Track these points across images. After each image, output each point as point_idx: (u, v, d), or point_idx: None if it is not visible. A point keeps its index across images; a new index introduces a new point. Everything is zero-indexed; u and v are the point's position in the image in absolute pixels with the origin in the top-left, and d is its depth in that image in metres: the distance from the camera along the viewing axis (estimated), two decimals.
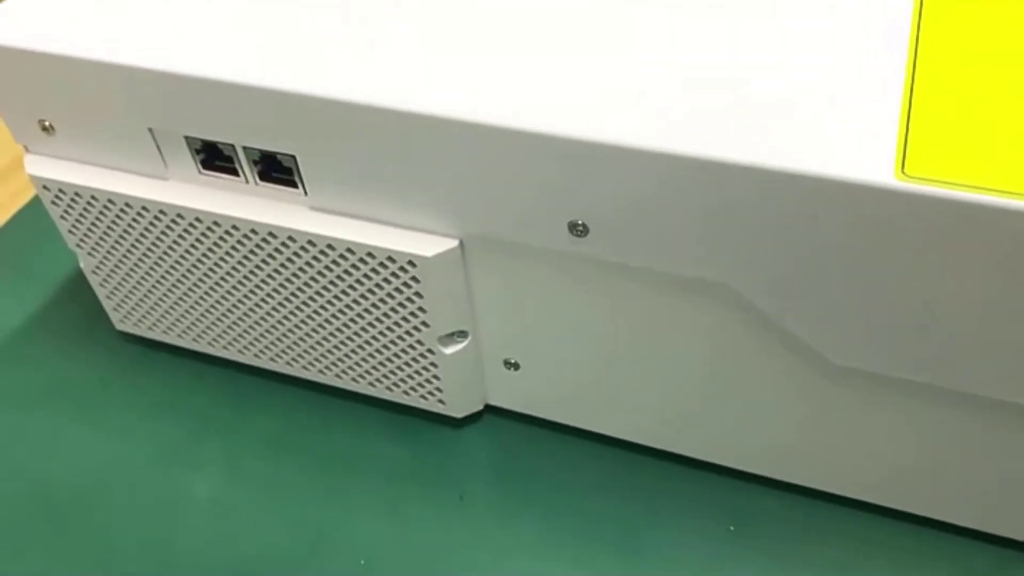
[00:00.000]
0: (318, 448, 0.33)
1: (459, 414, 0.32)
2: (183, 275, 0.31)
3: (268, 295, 0.30)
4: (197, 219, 0.29)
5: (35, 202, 0.42)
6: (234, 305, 0.31)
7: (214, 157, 0.28)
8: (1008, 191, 0.20)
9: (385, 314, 0.29)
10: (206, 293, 0.31)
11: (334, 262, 0.28)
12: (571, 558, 0.29)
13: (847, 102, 0.22)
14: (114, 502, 0.31)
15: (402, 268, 0.27)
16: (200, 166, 0.28)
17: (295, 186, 0.27)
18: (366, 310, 0.29)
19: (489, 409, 0.33)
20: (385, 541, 0.30)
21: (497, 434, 0.33)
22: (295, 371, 0.33)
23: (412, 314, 0.28)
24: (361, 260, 0.27)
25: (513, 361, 0.30)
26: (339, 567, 0.29)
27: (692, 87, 0.23)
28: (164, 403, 0.34)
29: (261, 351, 0.33)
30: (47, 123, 0.29)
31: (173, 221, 0.29)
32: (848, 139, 0.21)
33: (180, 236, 0.29)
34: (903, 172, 0.20)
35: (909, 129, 0.21)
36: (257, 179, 0.28)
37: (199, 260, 0.30)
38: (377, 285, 0.28)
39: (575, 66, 0.24)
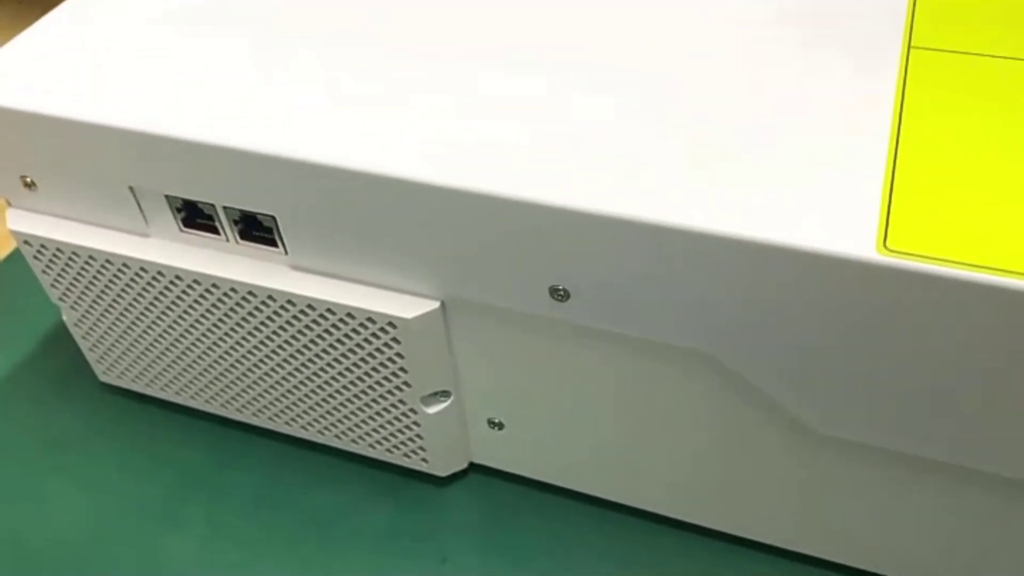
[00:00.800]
0: (300, 506, 0.32)
1: (443, 473, 0.31)
2: (165, 330, 0.31)
3: (249, 352, 0.30)
4: (178, 277, 0.28)
5: (17, 253, 0.42)
6: (216, 361, 0.31)
7: (195, 215, 0.28)
8: (990, 267, 0.19)
9: (366, 373, 0.28)
10: (188, 348, 0.31)
11: (314, 321, 0.27)
12: None
13: (830, 175, 0.22)
14: (93, 561, 0.31)
15: (382, 329, 0.26)
16: (181, 224, 0.28)
17: (275, 245, 0.27)
18: (347, 369, 0.28)
19: (474, 467, 0.32)
20: None
21: (482, 493, 0.32)
22: (278, 426, 0.33)
23: (393, 374, 0.28)
24: (341, 320, 0.27)
25: (497, 421, 0.30)
26: None
27: (672, 155, 0.23)
28: (147, 457, 0.34)
29: (244, 406, 0.32)
30: (29, 179, 0.29)
31: (154, 278, 0.29)
32: (830, 212, 0.21)
33: (161, 293, 0.29)
34: (885, 247, 0.20)
35: (892, 203, 0.21)
36: (238, 238, 0.27)
37: (180, 316, 0.30)
38: (358, 345, 0.27)
39: (555, 130, 0.24)
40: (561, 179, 0.22)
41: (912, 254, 0.20)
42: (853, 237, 0.20)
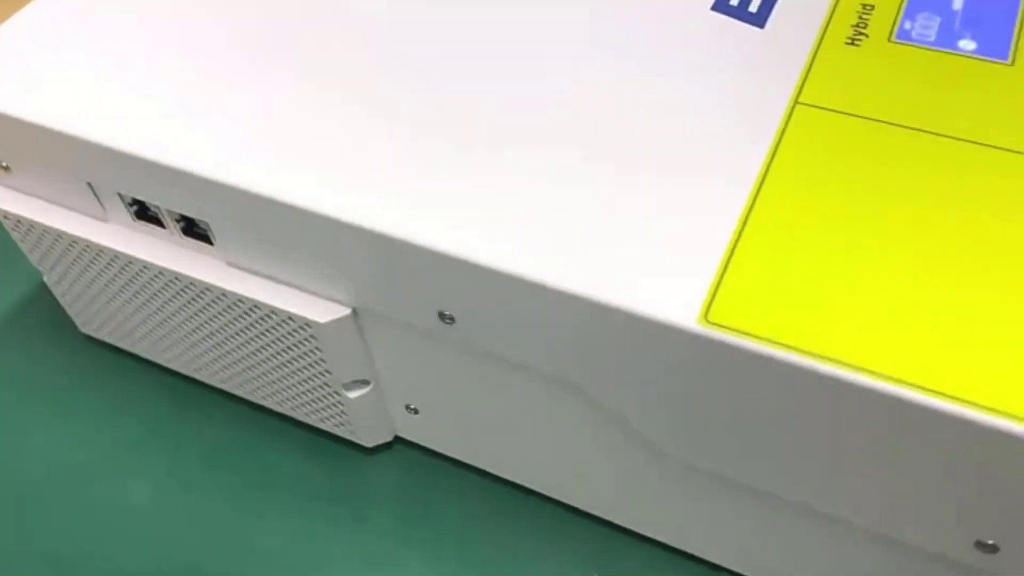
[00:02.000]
0: (247, 462, 0.36)
1: (369, 444, 0.35)
2: (126, 300, 0.34)
3: (196, 328, 0.33)
4: (130, 262, 0.31)
5: None
6: (170, 330, 0.34)
7: (145, 209, 0.31)
8: (804, 350, 0.21)
9: (293, 359, 0.31)
10: (147, 318, 0.34)
11: (245, 313, 0.30)
12: None
13: (680, 236, 0.24)
14: (54, 503, 0.35)
15: (301, 328, 0.30)
16: (133, 216, 0.31)
17: (212, 243, 0.30)
18: (277, 353, 0.32)
19: (403, 438, 0.36)
20: (296, 557, 0.33)
21: (405, 463, 0.36)
22: (231, 388, 0.36)
23: (315, 363, 0.31)
24: (267, 316, 0.30)
25: (413, 407, 0.33)
26: None
27: (529, 208, 0.25)
28: (117, 407, 0.38)
29: (199, 368, 0.36)
30: (4, 164, 0.32)
31: (111, 260, 0.32)
32: (670, 276, 0.23)
33: (118, 272, 0.32)
34: (707, 318, 0.22)
35: (726, 274, 0.23)
36: (180, 233, 0.30)
37: (137, 292, 0.33)
38: (283, 337, 0.31)
39: (441, 178, 0.26)
40: (438, 221, 0.25)
41: (730, 328, 0.22)
42: (679, 305, 0.22)
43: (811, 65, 0.28)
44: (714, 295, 0.23)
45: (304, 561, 0.33)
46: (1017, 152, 0.25)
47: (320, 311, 0.29)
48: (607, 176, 0.25)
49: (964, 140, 0.26)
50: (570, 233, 0.24)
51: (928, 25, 0.29)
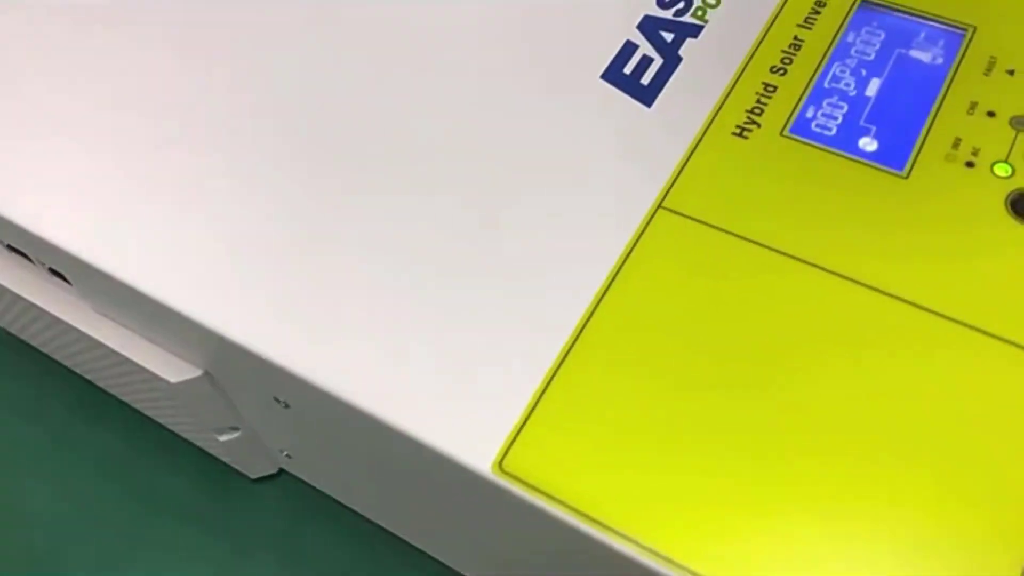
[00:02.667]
0: (137, 477, 0.36)
1: (252, 476, 0.35)
2: (15, 318, 0.34)
3: (76, 353, 0.33)
4: (3, 290, 0.31)
5: None
6: (57, 349, 0.34)
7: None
8: (584, 513, 0.20)
9: (160, 399, 0.31)
10: (36, 334, 0.34)
11: (107, 356, 0.30)
12: None
13: (491, 375, 0.22)
14: None
15: (155, 380, 0.29)
16: (6, 248, 0.30)
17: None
18: (146, 391, 0.32)
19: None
20: None
21: (290, 492, 0.36)
22: (127, 401, 0.37)
23: (180, 409, 0.31)
24: (124, 362, 0.30)
25: (285, 452, 0.33)
26: None
27: (350, 323, 0.24)
28: (25, 406, 0.38)
29: (96, 379, 0.36)
30: None
31: None
32: (481, 412, 0.22)
33: None
34: (500, 467, 0.21)
35: (531, 418, 0.22)
36: (48, 272, 0.30)
37: (17, 315, 0.33)
38: (144, 382, 0.30)
39: (275, 277, 0.25)
40: (257, 326, 0.24)
41: (521, 480, 0.21)
42: (479, 447, 0.21)
43: (687, 160, 0.26)
44: (514, 440, 0.21)
45: None
46: (892, 296, 0.23)
47: (171, 370, 0.29)
48: (439, 290, 0.24)
49: (837, 274, 0.23)
50: (388, 355, 0.23)
51: (832, 115, 0.27)
